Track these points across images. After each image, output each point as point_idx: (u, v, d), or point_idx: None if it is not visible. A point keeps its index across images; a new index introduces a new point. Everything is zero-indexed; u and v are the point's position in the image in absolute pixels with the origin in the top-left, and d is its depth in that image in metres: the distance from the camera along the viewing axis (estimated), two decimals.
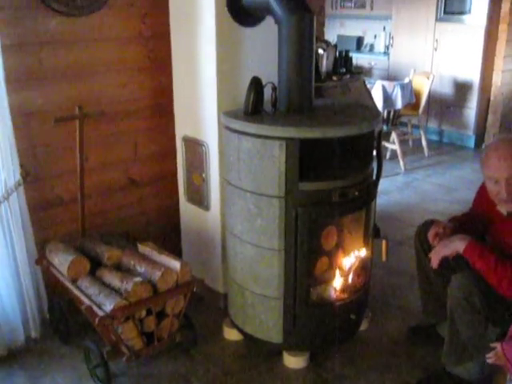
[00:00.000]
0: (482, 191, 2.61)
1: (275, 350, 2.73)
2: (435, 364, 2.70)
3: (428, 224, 2.66)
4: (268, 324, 2.63)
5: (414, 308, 3.10)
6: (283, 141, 2.28)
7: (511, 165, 2.23)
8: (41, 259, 2.81)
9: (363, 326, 2.97)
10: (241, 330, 2.81)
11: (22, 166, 2.65)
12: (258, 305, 2.63)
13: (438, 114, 7.09)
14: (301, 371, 2.67)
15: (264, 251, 2.49)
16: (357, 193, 2.47)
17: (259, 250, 2.51)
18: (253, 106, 2.46)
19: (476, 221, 2.65)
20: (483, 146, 6.79)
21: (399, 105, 5.64)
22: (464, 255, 2.34)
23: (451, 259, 2.42)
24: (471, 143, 6.94)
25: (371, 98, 4.97)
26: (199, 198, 3.04)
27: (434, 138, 7.19)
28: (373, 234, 2.79)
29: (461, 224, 2.62)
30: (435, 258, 2.42)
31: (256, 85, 2.48)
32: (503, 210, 2.40)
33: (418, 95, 6.08)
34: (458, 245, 2.35)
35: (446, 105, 6.97)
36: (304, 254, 2.45)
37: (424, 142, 6.38)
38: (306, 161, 2.34)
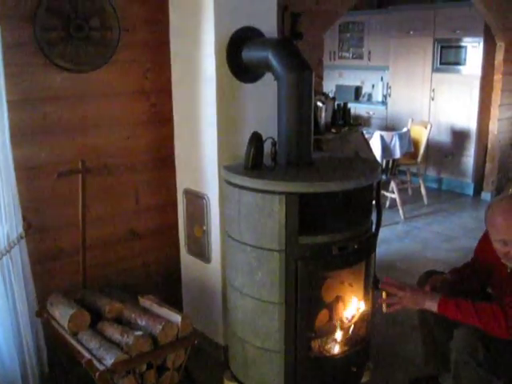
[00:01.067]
0: (485, 241, 2.62)
1: None
2: None
3: (429, 274, 2.67)
4: (269, 377, 2.61)
5: (415, 358, 3.07)
6: (283, 195, 2.32)
7: None
8: (41, 312, 2.80)
9: (365, 378, 2.94)
10: (242, 383, 2.78)
11: (24, 218, 2.67)
12: (259, 358, 2.62)
13: (436, 162, 7.16)
14: None
15: (264, 304, 2.50)
16: (356, 246, 2.49)
17: (259, 303, 2.52)
18: (253, 161, 2.51)
19: (479, 271, 2.66)
20: (482, 194, 6.85)
21: (398, 154, 5.71)
22: (440, 313, 2.36)
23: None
24: (470, 191, 6.98)
25: (370, 149, 5.04)
26: (200, 250, 3.06)
27: (433, 185, 7.24)
28: (373, 286, 2.80)
29: (462, 276, 2.63)
30: (395, 306, 2.44)
31: (256, 140, 2.53)
32: (508, 263, 2.41)
33: (416, 144, 6.16)
34: (427, 304, 2.38)
35: (445, 153, 7.05)
36: (304, 307, 2.46)
37: (423, 191, 6.43)
38: (306, 214, 2.37)
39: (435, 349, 2.78)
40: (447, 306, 2.34)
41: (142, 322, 2.58)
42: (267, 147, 2.61)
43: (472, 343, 2.28)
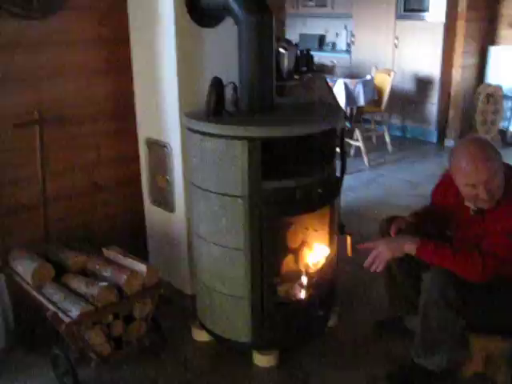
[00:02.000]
0: (443, 185, 2.64)
1: (245, 350, 2.73)
2: (403, 357, 2.73)
3: (390, 220, 2.68)
4: (237, 324, 2.63)
5: (381, 301, 3.12)
6: (245, 140, 2.29)
7: (489, 166, 2.23)
8: (4, 267, 2.76)
9: (332, 322, 2.99)
10: (210, 331, 2.80)
11: None
12: (226, 305, 2.63)
13: (400, 110, 7.19)
14: (271, 369, 2.67)
15: (229, 251, 2.50)
16: (320, 190, 2.49)
17: (225, 251, 2.51)
18: (214, 107, 2.46)
19: (437, 215, 2.68)
20: (445, 141, 6.92)
21: (362, 102, 5.70)
22: (418, 256, 2.37)
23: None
24: (433, 138, 7.05)
25: (333, 96, 5.00)
26: (164, 200, 3.03)
27: (397, 133, 7.29)
28: (338, 231, 2.81)
29: (423, 219, 2.66)
30: (380, 263, 2.42)
31: (217, 85, 2.48)
32: (471, 205, 2.42)
33: (380, 92, 6.16)
34: (406, 247, 2.38)
35: (408, 101, 7.07)
36: (269, 253, 2.46)
37: (387, 138, 6.46)
38: (269, 160, 2.35)
39: (399, 293, 2.83)
40: (426, 250, 2.36)
41: (106, 273, 2.56)
42: (229, 93, 2.56)
43: (443, 284, 2.30)
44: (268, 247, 2.44)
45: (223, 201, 2.42)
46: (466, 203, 2.44)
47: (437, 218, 2.68)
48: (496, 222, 2.30)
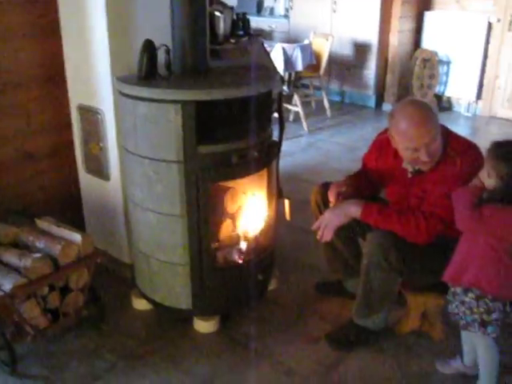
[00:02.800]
0: (377, 148, 2.65)
1: (185, 317, 2.72)
2: (342, 317, 2.78)
3: (325, 186, 2.67)
4: (176, 291, 2.61)
5: (320, 264, 3.16)
6: (178, 104, 2.24)
7: (429, 129, 2.24)
8: None
9: (272, 286, 3.01)
10: (149, 299, 2.77)
11: None
12: (165, 272, 2.60)
13: (338, 75, 7.22)
14: (212, 335, 2.68)
15: (166, 218, 2.46)
16: (256, 154, 2.47)
17: (161, 217, 2.47)
18: (146, 70, 2.38)
19: (371, 178, 2.70)
20: (383, 106, 7.01)
21: (300, 66, 5.68)
22: (363, 220, 2.40)
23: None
24: (372, 103, 7.13)
25: (270, 60, 4.97)
26: (98, 168, 2.95)
27: (336, 98, 7.33)
28: (276, 195, 2.81)
29: (357, 183, 2.66)
30: (329, 230, 2.43)
31: (148, 47, 2.40)
32: (410, 167, 2.45)
33: (318, 57, 6.15)
34: (352, 211, 2.40)
35: (347, 66, 7.11)
36: (207, 218, 2.44)
37: (326, 103, 6.49)
38: (204, 124, 2.31)
39: (338, 258, 2.86)
40: (370, 212, 2.37)
41: (40, 244, 2.49)
42: (162, 56, 2.49)
43: (385, 246, 2.33)
44: (205, 213, 2.42)
45: (158, 166, 2.37)
46: (405, 165, 2.46)
47: (370, 182, 2.71)
48: (435, 184, 2.34)
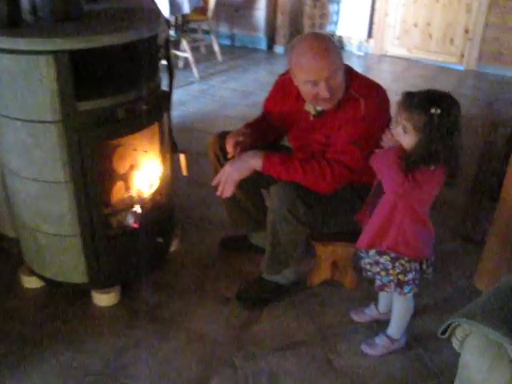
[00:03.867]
0: (278, 91, 2.48)
1: (82, 291, 2.49)
2: (251, 274, 2.66)
3: (222, 136, 2.48)
4: (69, 265, 2.36)
5: (224, 220, 2.99)
6: (50, 55, 1.92)
7: (330, 62, 2.09)
8: None
9: (174, 247, 2.83)
10: (40, 276, 2.50)
11: None
12: (54, 246, 2.33)
13: (227, 17, 6.93)
14: (113, 308, 2.47)
15: (49, 186, 2.17)
16: (145, 106, 2.22)
17: (43, 186, 2.18)
18: (7, 16, 2.03)
19: (272, 124, 2.54)
20: (275, 48, 6.85)
21: (187, 9, 5.34)
22: (264, 171, 2.22)
23: None
24: (263, 45, 6.94)
25: (153, 2, 4.62)
26: None
27: (226, 42, 7.06)
28: (170, 149, 2.59)
29: (257, 130, 2.49)
30: (230, 186, 2.24)
31: None
32: (312, 109, 2.30)
33: None
34: (253, 164, 2.21)
35: (235, 8, 6.83)
36: (94, 183, 2.18)
37: (216, 48, 6.22)
38: (83, 77, 2.02)
39: (240, 212, 2.70)
40: (272, 164, 2.20)
41: None
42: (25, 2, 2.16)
43: (291, 199, 2.18)
44: (92, 177, 2.15)
45: (33, 129, 2.07)
46: (307, 108, 2.31)
47: (271, 128, 2.54)
48: (339, 128, 2.20)
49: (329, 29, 6.92)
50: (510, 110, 5.51)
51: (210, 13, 5.93)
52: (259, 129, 2.49)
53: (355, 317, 2.45)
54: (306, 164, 2.18)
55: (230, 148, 2.33)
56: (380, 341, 2.29)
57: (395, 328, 2.26)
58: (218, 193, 2.28)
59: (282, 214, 2.21)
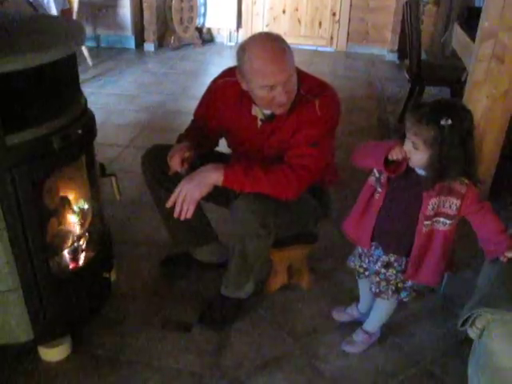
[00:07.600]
0: (214, 97, 2.29)
1: (28, 350, 2.14)
2: (204, 293, 2.49)
3: (155, 157, 2.29)
4: (10, 323, 2.00)
5: (163, 239, 2.77)
6: None
7: (287, 65, 1.95)
8: None
9: (112, 277, 2.55)
10: None
11: None
12: None
13: (90, 17, 6.54)
14: (67, 360, 2.16)
15: None
16: (80, 131, 1.94)
17: None
18: None
19: (209, 132, 2.36)
20: (145, 46, 6.58)
21: (54, 12, 4.94)
22: (226, 185, 2.03)
23: None
24: (132, 44, 6.67)
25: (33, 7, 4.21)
26: None
27: (91, 44, 6.66)
28: (99, 173, 2.31)
29: (196, 140, 2.28)
30: (191, 206, 2.02)
31: None
32: (260, 113, 2.15)
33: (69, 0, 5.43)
34: (214, 178, 2.01)
35: (98, 7, 6.44)
36: (34, 226, 1.87)
37: (85, 51, 5.85)
38: (7, 106, 1.70)
39: (180, 226, 2.44)
40: (234, 176, 2.01)
41: None
42: None
43: (261, 213, 2.03)
44: (31, 220, 1.84)
45: None
46: (253, 112, 2.15)
47: (207, 137, 2.37)
48: (294, 132, 2.07)
49: (197, 22, 6.76)
50: (388, 86, 5.71)
51: (74, 14, 5.53)
52: (197, 139, 2.30)
53: (336, 316, 2.40)
54: (269, 173, 2.03)
55: (176, 166, 2.13)
56: (359, 337, 2.25)
57: (376, 323, 2.23)
58: (176, 214, 2.05)
59: (252, 229, 2.05)
